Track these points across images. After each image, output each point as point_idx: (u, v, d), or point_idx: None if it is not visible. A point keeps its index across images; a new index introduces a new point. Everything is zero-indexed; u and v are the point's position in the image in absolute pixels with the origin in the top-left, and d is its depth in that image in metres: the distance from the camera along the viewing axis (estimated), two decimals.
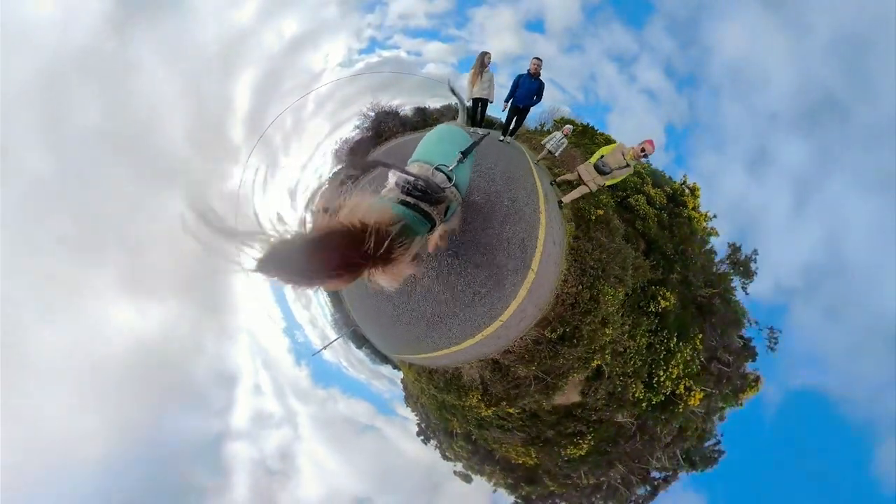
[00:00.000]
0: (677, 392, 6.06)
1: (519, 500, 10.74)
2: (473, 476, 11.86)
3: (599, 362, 5.57)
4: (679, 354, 5.95)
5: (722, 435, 7.38)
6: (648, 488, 8.43)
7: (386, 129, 8.08)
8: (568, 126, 7.78)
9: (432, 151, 2.39)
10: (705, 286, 7.08)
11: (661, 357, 5.96)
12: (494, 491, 11.28)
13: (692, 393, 6.02)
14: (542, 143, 7.51)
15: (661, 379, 5.90)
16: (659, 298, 6.14)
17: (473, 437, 10.19)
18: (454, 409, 9.11)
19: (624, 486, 8.29)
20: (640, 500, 8.62)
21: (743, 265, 8.10)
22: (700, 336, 6.31)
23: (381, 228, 1.40)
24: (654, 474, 8.66)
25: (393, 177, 2.07)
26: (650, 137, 5.20)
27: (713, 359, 7.07)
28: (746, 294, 8.23)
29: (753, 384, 6.74)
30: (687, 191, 7.93)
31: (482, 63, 6.53)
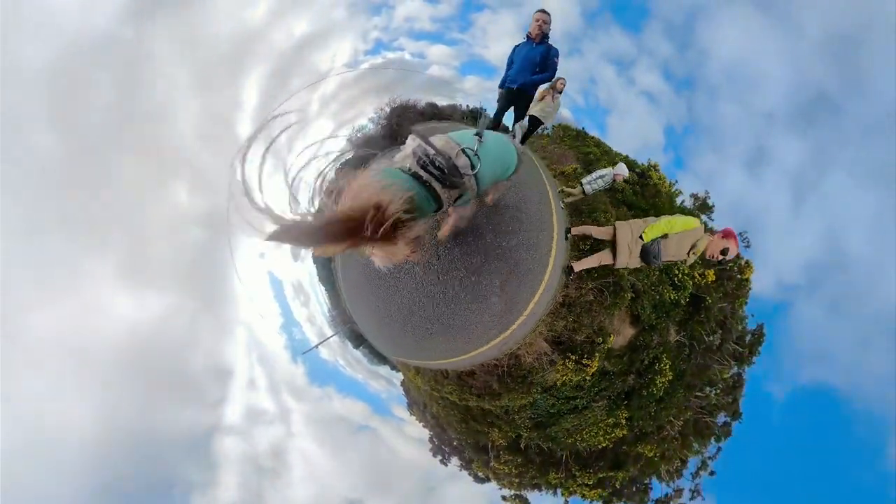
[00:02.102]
0: (697, 283, 7.69)
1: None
2: (531, 494, 10.34)
3: (633, 279, 7.22)
4: (681, 263, 7.77)
5: (753, 316, 8.83)
6: (727, 411, 9.13)
7: (403, 123, 8.06)
8: (623, 169, 6.26)
9: (463, 134, 2.16)
10: None
11: (670, 266, 7.71)
12: (566, 502, 9.89)
13: (706, 275, 7.70)
14: (583, 181, 6.42)
15: (679, 276, 7.57)
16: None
17: (523, 444, 9.16)
18: (493, 416, 8.42)
19: (708, 413, 9.02)
20: (726, 427, 9.26)
21: (702, 203, 10.54)
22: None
23: (385, 209, 1.43)
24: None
25: (412, 143, 1.94)
26: (730, 228, 3.80)
27: (710, 265, 8.89)
28: (712, 221, 10.52)
29: (747, 267, 8.53)
30: (651, 168, 10.41)
31: (556, 87, 6.04)
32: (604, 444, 8.77)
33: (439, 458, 11.83)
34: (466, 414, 8.80)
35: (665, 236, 3.90)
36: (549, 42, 5.12)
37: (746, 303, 8.79)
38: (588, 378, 7.28)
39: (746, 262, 8.69)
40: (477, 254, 3.77)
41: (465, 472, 11.54)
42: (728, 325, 8.38)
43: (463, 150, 1.99)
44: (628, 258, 4.10)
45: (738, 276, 8.53)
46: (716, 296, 8.07)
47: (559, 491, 9.74)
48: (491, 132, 2.32)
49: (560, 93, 6.10)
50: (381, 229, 1.41)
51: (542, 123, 6.29)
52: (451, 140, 2.02)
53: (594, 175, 6.24)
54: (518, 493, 10.38)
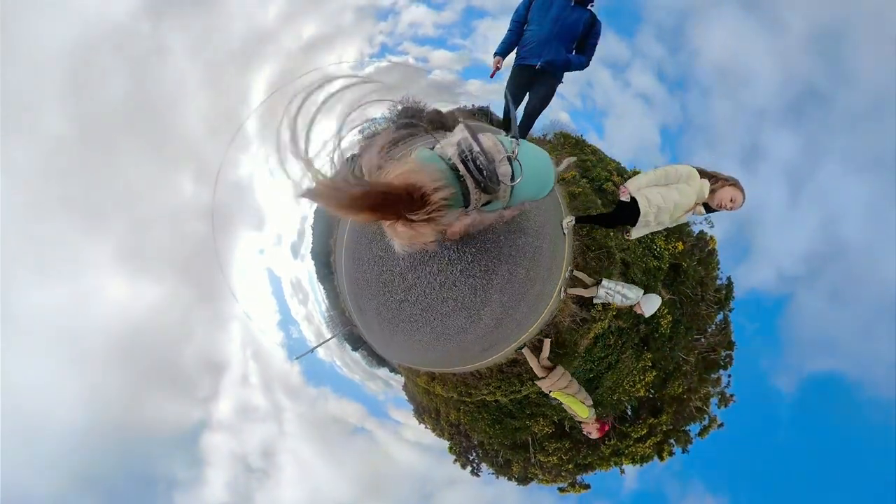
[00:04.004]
0: (672, 252, 11.22)
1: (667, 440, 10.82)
2: (589, 476, 10.66)
3: (623, 255, 10.88)
4: (656, 237, 11.41)
5: (722, 272, 12.06)
6: (722, 345, 11.97)
7: (416, 122, 7.93)
8: (652, 306, 5.23)
9: (510, 141, 2.05)
10: None
11: (649, 241, 11.33)
12: (622, 472, 10.51)
13: (677, 245, 11.22)
14: (605, 283, 5.42)
15: (657, 250, 11.14)
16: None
17: (567, 426, 9.66)
18: (533, 406, 8.97)
19: (711, 351, 11.93)
20: (728, 357, 12.05)
21: None
22: (660, 232, 11.89)
23: (429, 193, 1.49)
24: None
25: (459, 134, 1.87)
26: (605, 428, 5.56)
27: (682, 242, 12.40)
28: None
29: (711, 239, 11.97)
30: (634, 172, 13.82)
31: (716, 194, 3.45)
32: (642, 393, 10.97)
33: (469, 469, 11.39)
34: (499, 413, 9.00)
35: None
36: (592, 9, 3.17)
37: (718, 267, 12.12)
38: (612, 320, 10.29)
39: (711, 236, 12.19)
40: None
41: (502, 479, 11.33)
42: (706, 282, 11.66)
43: (508, 158, 1.94)
44: (543, 388, 5.41)
45: (706, 247, 12.00)
46: (690, 262, 11.53)
47: (612, 461, 10.83)
48: (534, 146, 2.30)
49: (721, 208, 3.57)
50: (421, 211, 1.46)
51: (633, 221, 3.76)
52: (500, 144, 1.98)
53: (618, 286, 5.29)
54: (573, 481, 10.97)
